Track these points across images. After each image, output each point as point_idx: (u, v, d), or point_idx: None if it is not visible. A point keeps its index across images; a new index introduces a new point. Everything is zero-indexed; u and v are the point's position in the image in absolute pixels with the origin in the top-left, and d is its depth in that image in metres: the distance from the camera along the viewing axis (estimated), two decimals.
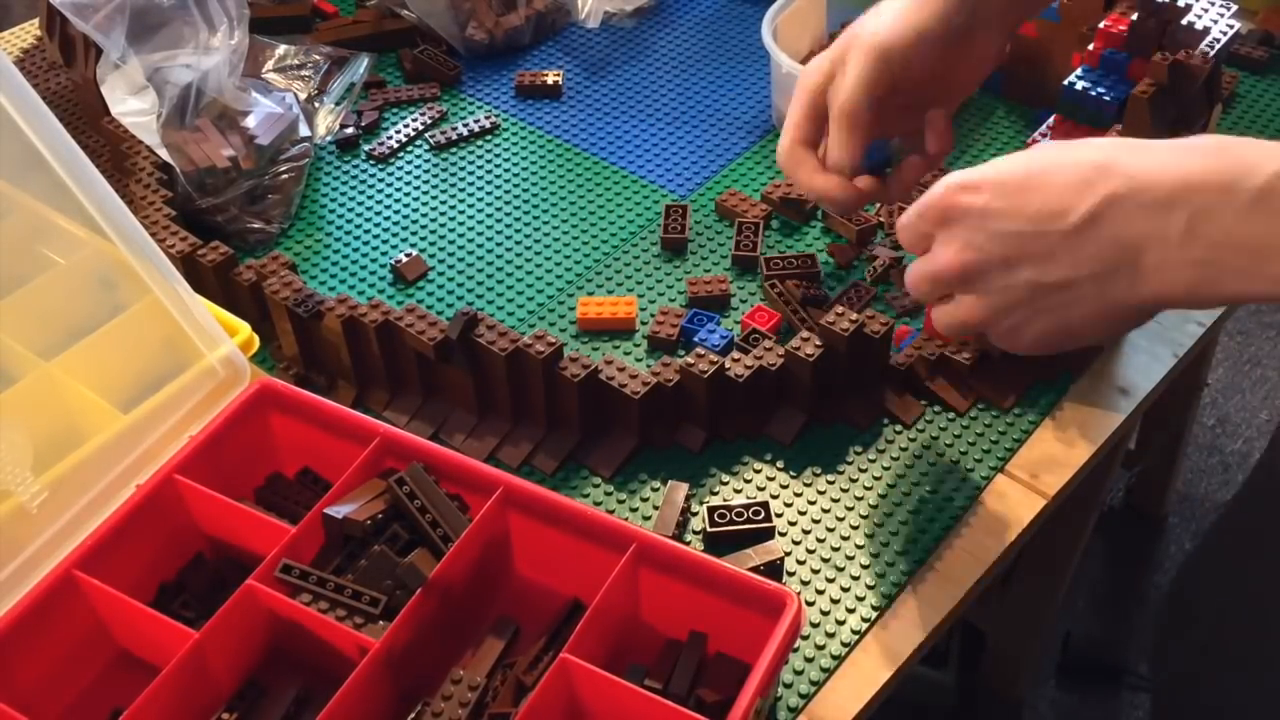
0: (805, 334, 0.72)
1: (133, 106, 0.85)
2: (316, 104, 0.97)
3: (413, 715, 0.58)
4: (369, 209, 0.92)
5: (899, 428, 0.74)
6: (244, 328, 0.69)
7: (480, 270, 0.86)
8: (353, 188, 0.94)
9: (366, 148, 0.97)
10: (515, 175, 0.94)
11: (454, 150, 0.97)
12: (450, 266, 0.87)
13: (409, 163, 0.96)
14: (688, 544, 0.68)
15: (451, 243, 0.89)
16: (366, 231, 0.90)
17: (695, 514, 0.70)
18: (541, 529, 0.61)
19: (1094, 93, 0.75)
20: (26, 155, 0.58)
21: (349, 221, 0.91)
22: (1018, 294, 0.55)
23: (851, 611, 0.65)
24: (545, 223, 0.90)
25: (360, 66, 1.00)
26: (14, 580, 0.58)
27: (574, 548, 0.60)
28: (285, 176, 0.89)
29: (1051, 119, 0.77)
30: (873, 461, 0.72)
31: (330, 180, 0.94)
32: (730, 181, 0.93)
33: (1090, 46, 0.78)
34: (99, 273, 0.66)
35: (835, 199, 0.70)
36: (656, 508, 0.70)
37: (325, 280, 0.86)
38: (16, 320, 0.64)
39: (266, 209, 0.88)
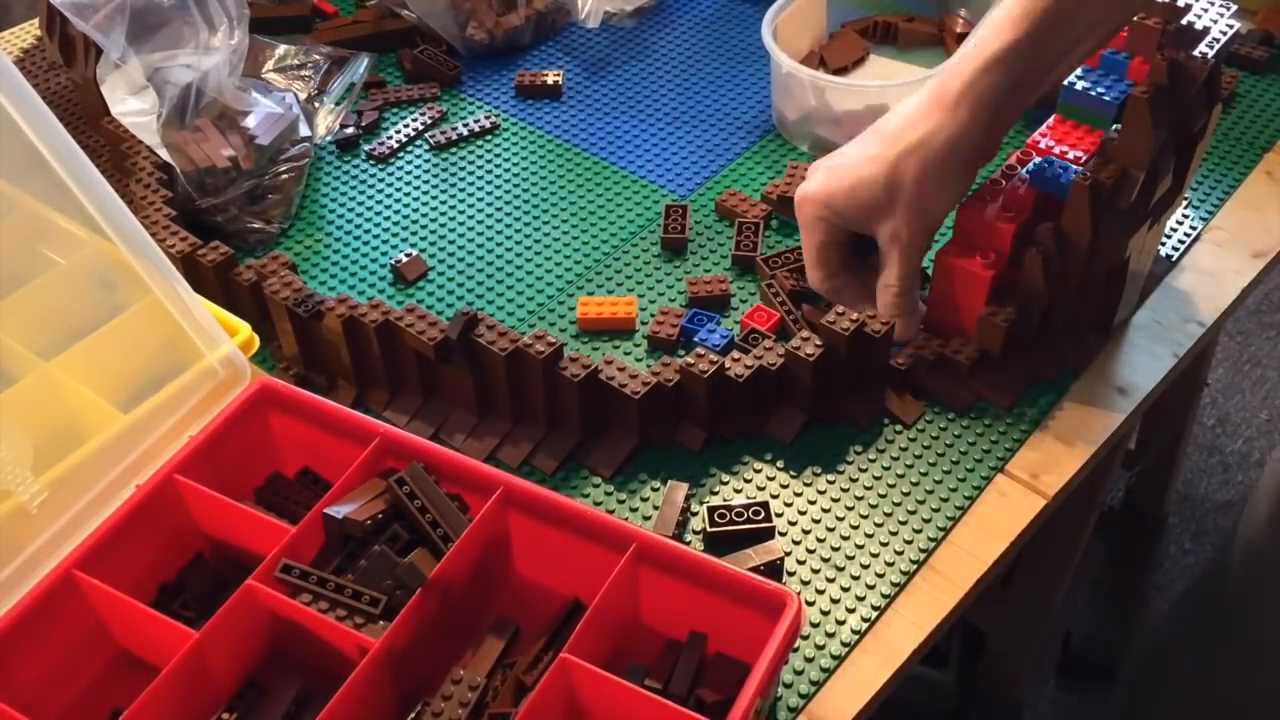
0: (805, 334, 0.72)
1: (133, 106, 0.85)
2: (316, 104, 0.97)
3: (413, 715, 0.58)
4: (369, 209, 0.92)
5: (899, 428, 0.74)
6: (244, 328, 0.69)
7: (480, 270, 0.86)
8: (353, 188, 0.94)
9: (366, 148, 0.97)
10: (515, 175, 0.94)
11: (454, 150, 0.97)
12: (450, 266, 0.87)
13: (409, 163, 0.96)
14: (688, 544, 0.68)
15: (451, 243, 0.89)
16: (366, 231, 0.90)
17: (695, 514, 0.70)
18: (541, 529, 0.61)
19: (1094, 93, 0.75)
20: (26, 155, 0.58)
21: (349, 221, 0.91)
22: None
23: (851, 611, 0.65)
24: (545, 223, 0.90)
25: (360, 66, 1.00)
26: (14, 580, 0.58)
27: (574, 548, 0.60)
28: (285, 176, 0.89)
29: (1051, 119, 0.77)
30: (873, 461, 0.72)
31: (330, 180, 0.94)
32: (730, 181, 0.93)
33: None
34: (99, 273, 0.66)
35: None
36: (656, 508, 0.70)
37: (325, 280, 0.86)
38: (16, 320, 0.64)
39: (266, 209, 0.88)
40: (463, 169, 0.95)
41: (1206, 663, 0.82)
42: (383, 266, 0.87)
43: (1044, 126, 0.77)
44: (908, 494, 0.71)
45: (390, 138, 0.97)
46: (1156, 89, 0.68)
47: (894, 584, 0.66)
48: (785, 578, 0.67)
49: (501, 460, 0.73)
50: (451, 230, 0.90)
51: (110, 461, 0.62)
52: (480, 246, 0.88)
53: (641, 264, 0.86)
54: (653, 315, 0.81)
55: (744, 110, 1.00)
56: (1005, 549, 0.68)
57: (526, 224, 0.90)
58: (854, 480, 0.71)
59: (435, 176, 0.94)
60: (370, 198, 0.93)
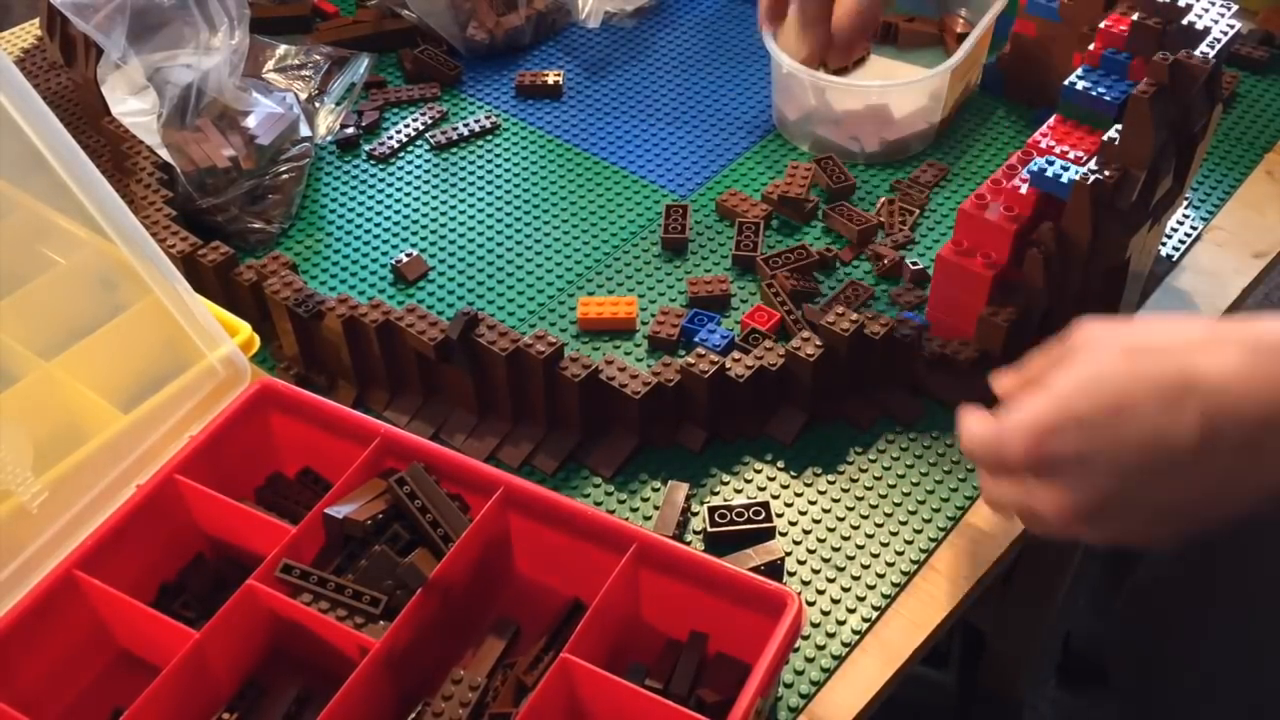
0: (805, 334, 0.72)
1: (133, 106, 0.85)
2: (317, 104, 0.97)
3: (413, 715, 0.58)
4: (369, 209, 0.92)
5: (899, 428, 0.74)
6: (244, 328, 0.69)
7: (480, 270, 0.86)
8: (353, 188, 0.94)
9: (367, 148, 0.97)
10: (515, 175, 0.94)
11: (454, 150, 0.97)
12: (450, 266, 0.87)
13: (409, 163, 0.96)
14: (688, 544, 0.68)
15: (452, 243, 0.89)
16: (367, 231, 0.90)
17: (695, 514, 0.70)
18: (542, 529, 0.61)
19: (1094, 93, 0.75)
20: (27, 155, 0.58)
21: (349, 221, 0.91)
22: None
23: (852, 611, 0.65)
24: (545, 223, 0.90)
25: (360, 66, 1.00)
26: (14, 580, 0.58)
27: (574, 548, 0.60)
28: (285, 176, 0.89)
29: (1052, 119, 0.77)
30: (873, 461, 0.72)
31: (330, 180, 0.94)
32: (730, 181, 0.93)
33: (1090, 46, 0.78)
34: (99, 273, 0.66)
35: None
36: (657, 508, 0.70)
37: (325, 280, 0.86)
38: (17, 320, 0.64)
39: (267, 209, 0.88)
40: (463, 169, 0.95)
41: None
42: (383, 266, 0.87)
43: (1044, 126, 0.77)
44: (908, 494, 0.71)
45: (390, 138, 0.97)
46: (1157, 89, 0.68)
47: (894, 584, 0.66)
48: (785, 578, 0.67)
49: (502, 460, 0.73)
50: (452, 230, 0.90)
51: (110, 461, 0.62)
52: (480, 246, 0.88)
53: (642, 264, 0.86)
54: (653, 315, 0.81)
55: (744, 110, 1.00)
56: (1005, 549, 0.68)
57: (527, 224, 0.90)
58: (854, 480, 0.71)
59: (435, 176, 0.94)
60: (370, 198, 0.93)
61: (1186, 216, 0.89)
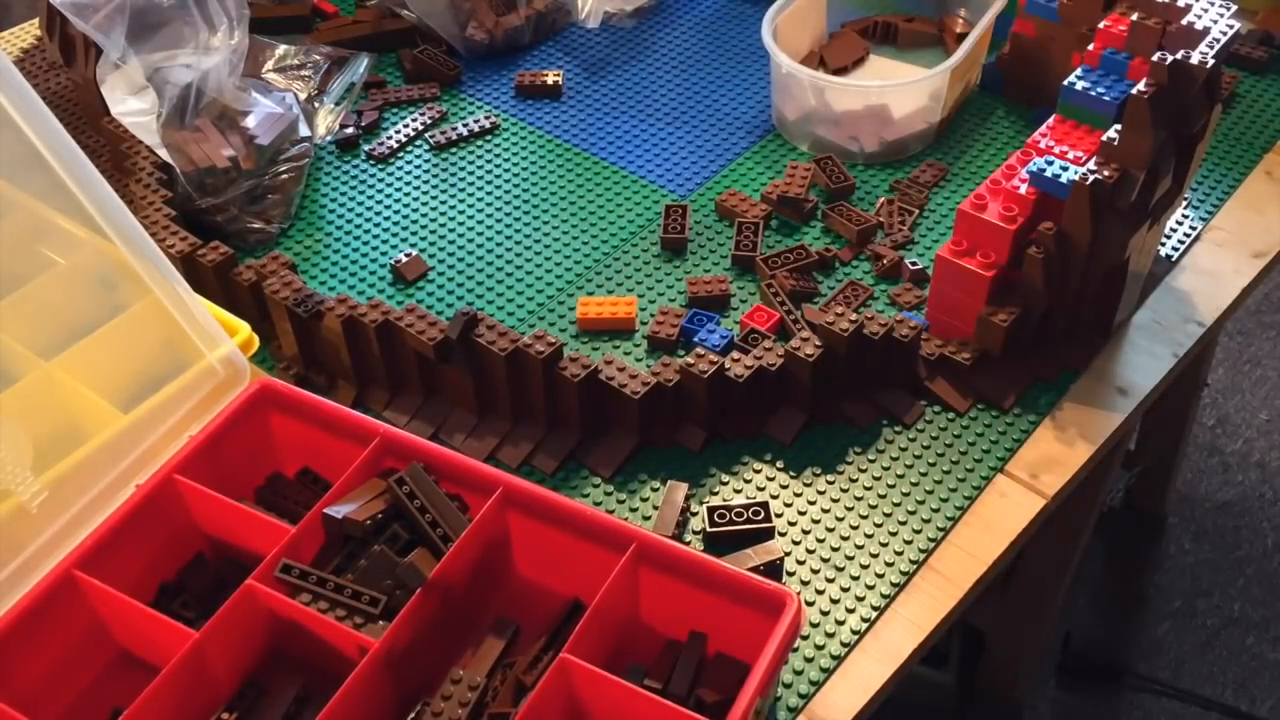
0: (805, 334, 0.72)
1: (133, 106, 0.85)
2: (316, 104, 0.97)
3: (413, 715, 0.58)
4: (369, 209, 0.92)
5: (899, 428, 0.74)
6: (244, 328, 0.69)
7: (480, 270, 0.86)
8: (353, 188, 0.94)
9: (366, 148, 0.97)
10: (515, 175, 0.94)
11: (454, 150, 0.97)
12: (450, 266, 0.87)
13: (409, 163, 0.96)
14: (687, 544, 0.68)
15: (451, 243, 0.89)
16: (366, 231, 0.90)
17: (695, 514, 0.70)
18: (541, 529, 0.61)
19: (1094, 93, 0.75)
20: (26, 155, 0.58)
21: (349, 221, 0.91)
22: None
23: (851, 611, 0.65)
24: (545, 223, 0.90)
25: (360, 66, 1.00)
26: (14, 580, 0.58)
27: (574, 548, 0.60)
28: (285, 176, 0.89)
29: (1051, 119, 0.77)
30: (873, 461, 0.72)
31: (330, 180, 0.94)
32: (730, 181, 0.93)
33: (1090, 46, 0.78)
34: (99, 273, 0.66)
35: None
36: (656, 508, 0.70)
37: (325, 280, 0.86)
38: (16, 320, 0.64)
39: (266, 209, 0.88)
40: (463, 169, 0.95)
41: None
42: (383, 266, 0.87)
43: (1044, 126, 0.77)
44: (908, 494, 0.71)
45: (390, 138, 0.97)
46: (1156, 89, 0.68)
47: (894, 584, 0.66)
48: (785, 578, 0.67)
49: (501, 460, 0.73)
50: (451, 230, 0.90)
51: (110, 461, 0.62)
52: (480, 246, 0.88)
53: (641, 264, 0.86)
54: (653, 315, 0.81)
55: (744, 110, 1.00)
56: (1005, 549, 0.68)
57: (526, 224, 0.90)
58: (854, 480, 0.71)
59: (435, 176, 0.94)
60: (370, 198, 0.93)
61: (1186, 216, 0.89)
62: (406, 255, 0.86)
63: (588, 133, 0.99)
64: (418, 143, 0.98)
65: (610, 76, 1.05)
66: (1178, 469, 1.54)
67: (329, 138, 0.97)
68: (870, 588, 0.66)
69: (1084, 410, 0.75)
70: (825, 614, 0.65)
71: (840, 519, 0.69)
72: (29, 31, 1.11)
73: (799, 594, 0.60)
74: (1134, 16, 0.76)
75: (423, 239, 0.89)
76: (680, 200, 0.92)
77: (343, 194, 0.93)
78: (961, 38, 0.98)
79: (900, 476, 0.71)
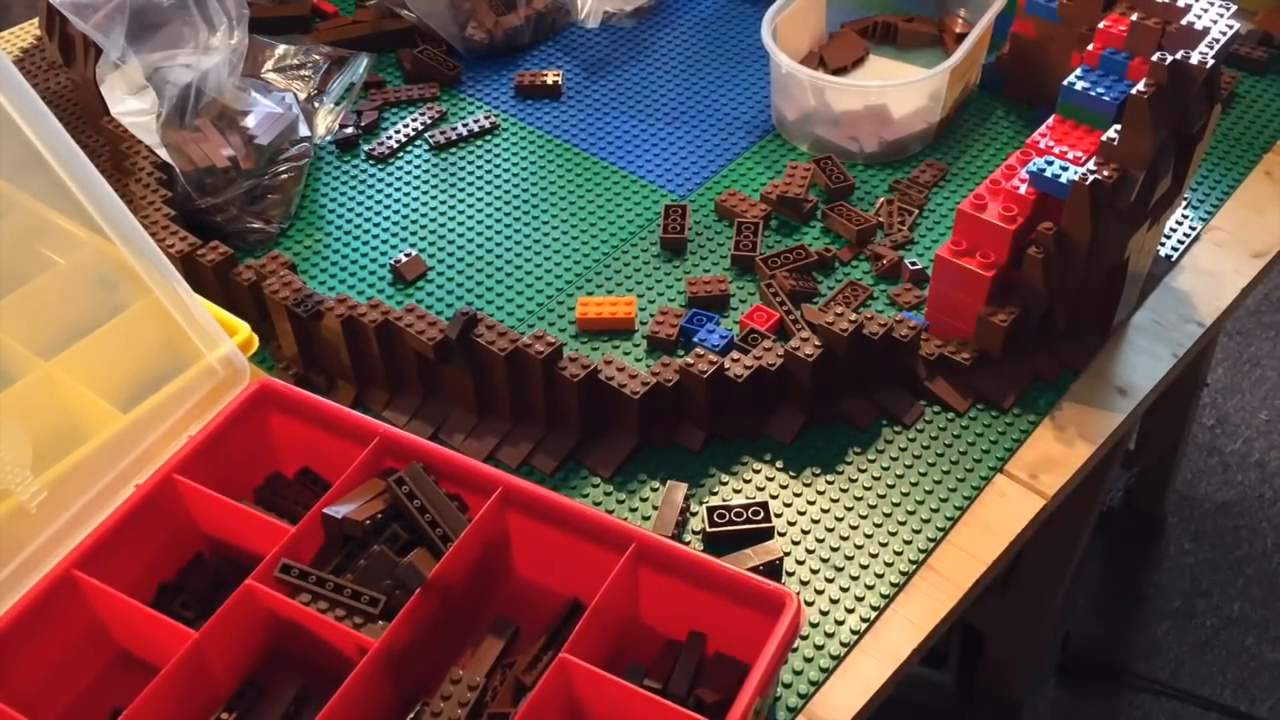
0: (805, 334, 0.72)
1: (132, 106, 0.85)
2: (316, 104, 0.97)
3: (412, 715, 0.58)
4: (369, 209, 0.92)
5: (899, 428, 0.74)
6: (244, 328, 0.69)
7: (480, 270, 0.86)
8: (352, 188, 0.94)
9: (366, 148, 0.97)
10: (515, 175, 0.94)
11: (454, 150, 0.97)
12: (450, 266, 0.87)
13: (409, 163, 0.96)
14: (687, 544, 0.68)
15: (451, 243, 0.89)
16: (366, 231, 0.90)
17: (695, 514, 0.70)
18: (541, 529, 0.61)
19: (1094, 93, 0.75)
20: (26, 155, 0.58)
21: (349, 221, 0.91)
22: None
23: (851, 611, 0.65)
24: (545, 223, 0.90)
25: (360, 66, 1.00)
26: (14, 580, 0.58)
27: (573, 548, 0.60)
28: (285, 176, 0.89)
29: (1051, 119, 0.77)
30: (872, 461, 0.72)
31: (330, 180, 0.94)
32: (730, 181, 0.93)
33: (1090, 46, 0.78)
34: (99, 273, 0.66)
35: None
36: (656, 508, 0.70)
37: (325, 280, 0.86)
38: (16, 320, 0.64)
39: (266, 209, 0.88)
40: (463, 169, 0.95)
41: None
42: (382, 266, 0.87)
43: (1044, 126, 0.77)
44: (907, 494, 0.71)
45: (390, 138, 0.97)
46: (1156, 89, 0.68)
47: (893, 584, 0.66)
48: (784, 578, 0.67)
49: (501, 460, 0.73)
50: (451, 230, 0.90)
51: (110, 461, 0.62)
52: (480, 246, 0.88)
53: (641, 264, 0.86)
54: (652, 315, 0.81)
55: (744, 110, 1.00)
56: (1005, 549, 0.68)
57: (526, 224, 0.90)
58: (853, 480, 0.71)
59: (435, 176, 0.94)
60: (370, 198, 0.93)
61: (1186, 216, 0.89)
62: (406, 255, 0.86)
63: (588, 133, 0.99)
64: (417, 143, 0.98)
65: (610, 76, 1.05)
66: (1178, 469, 1.54)
67: (329, 138, 0.97)
68: (870, 588, 0.66)
69: (1084, 410, 0.75)
70: (825, 614, 0.65)
71: (840, 519, 0.69)
72: (29, 31, 1.11)
73: (798, 594, 0.60)
74: (1134, 16, 0.76)
75: (423, 239, 0.89)
76: (680, 200, 0.92)
77: (342, 194, 0.93)
78: (961, 38, 0.98)
79: (900, 476, 0.71)
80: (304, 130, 0.91)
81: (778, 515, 0.70)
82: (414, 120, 0.99)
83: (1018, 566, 1.19)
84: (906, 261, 0.83)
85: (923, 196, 0.90)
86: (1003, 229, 0.72)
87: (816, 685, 0.62)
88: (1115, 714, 1.40)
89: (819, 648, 0.63)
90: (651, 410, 0.72)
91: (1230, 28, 0.73)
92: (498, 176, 0.94)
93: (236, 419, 0.65)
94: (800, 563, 0.67)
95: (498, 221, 0.90)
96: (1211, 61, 0.70)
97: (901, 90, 0.92)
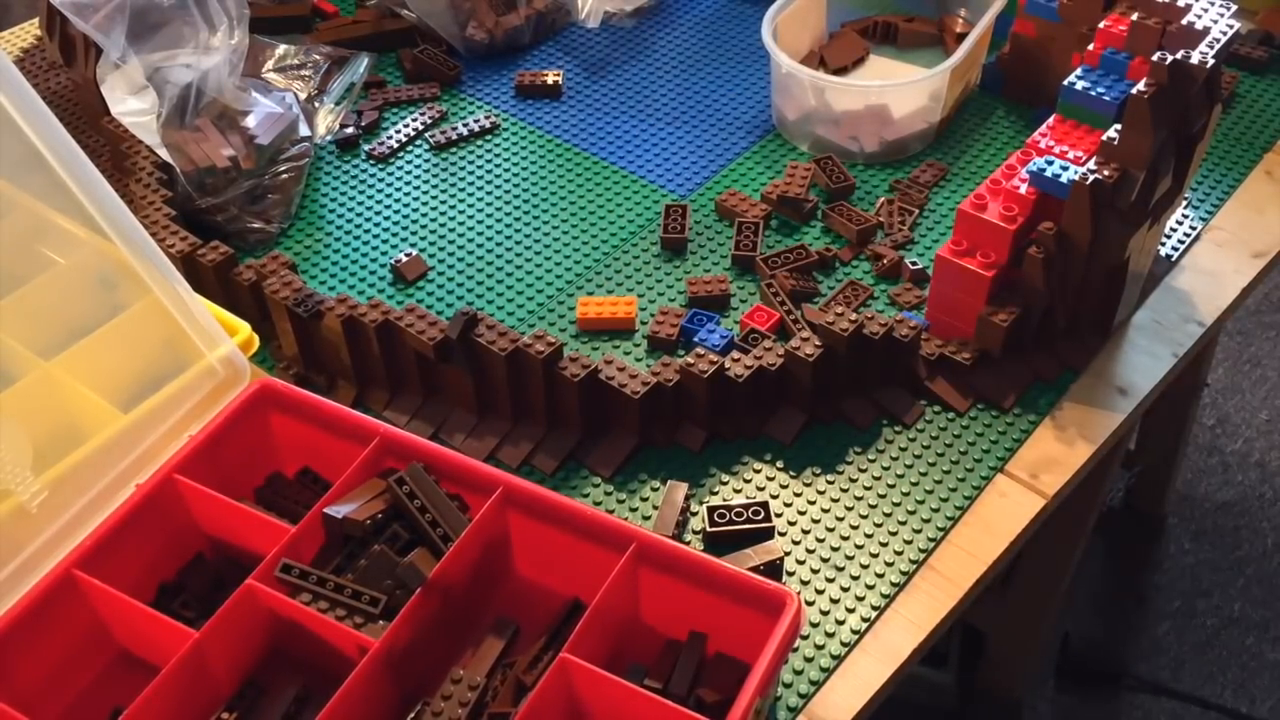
0: (805, 334, 0.72)
1: (133, 106, 0.85)
2: (316, 104, 0.97)
3: (413, 715, 0.58)
4: (369, 209, 0.92)
5: (899, 428, 0.74)
6: (244, 327, 0.69)
7: (480, 270, 0.86)
8: (353, 188, 0.94)
9: (366, 148, 0.97)
10: (515, 175, 0.94)
11: (454, 150, 0.97)
12: (450, 266, 0.87)
13: (409, 163, 0.96)
14: (687, 544, 0.68)
15: (451, 243, 0.89)
16: (366, 231, 0.90)
17: (695, 514, 0.70)
18: (541, 529, 0.61)
19: (1094, 93, 0.75)
20: (26, 155, 0.58)
21: (349, 221, 0.91)
22: None
23: (851, 611, 0.65)
24: (545, 223, 0.90)
25: (360, 66, 1.00)
26: (14, 580, 0.58)
27: (574, 547, 0.60)
28: (285, 176, 0.89)
29: (1051, 119, 0.77)
30: (873, 461, 0.72)
31: (330, 180, 0.94)
32: (730, 181, 0.93)
33: (1090, 46, 0.78)
34: (99, 272, 0.66)
35: None
36: (656, 507, 0.70)
37: (325, 280, 0.86)
38: (16, 320, 0.64)
39: (266, 209, 0.88)
40: (463, 169, 0.95)
41: None
42: (383, 266, 0.87)
43: (1044, 126, 0.77)
44: (907, 494, 0.71)
45: (390, 138, 0.97)
46: (1156, 89, 0.68)
47: (894, 584, 0.66)
48: (785, 577, 0.67)
49: (501, 460, 0.73)
50: (451, 230, 0.90)
51: (110, 461, 0.62)
52: (480, 246, 0.88)
53: (641, 264, 0.86)
54: (652, 315, 0.81)
55: (744, 110, 1.00)
56: (1005, 549, 0.68)
57: (526, 224, 0.90)
58: (854, 480, 0.71)
59: (435, 176, 0.94)
60: (370, 198, 0.93)
61: (1186, 216, 0.89)
62: (406, 255, 0.86)
63: (588, 133, 0.99)
64: (418, 142, 0.98)
65: (610, 76, 1.05)
66: (1178, 469, 1.54)
67: (329, 138, 0.97)
68: (870, 587, 0.66)
69: (1084, 410, 0.75)
70: (825, 614, 0.65)
71: (840, 519, 0.69)
72: (29, 31, 1.11)
73: (799, 594, 0.60)
74: (1134, 16, 0.76)
75: (423, 239, 0.89)
76: (680, 200, 0.92)
77: (343, 194, 0.93)
78: (961, 38, 0.98)
79: (900, 476, 0.71)
80: (304, 130, 0.91)
81: (778, 515, 0.70)
82: (414, 120, 0.99)
83: (1018, 566, 1.19)
84: (907, 261, 0.83)
85: (923, 196, 0.90)
86: (1003, 229, 0.72)
87: (817, 685, 0.62)
88: (1115, 714, 1.40)
89: (819, 647, 0.63)
90: (652, 410, 0.72)
91: (1230, 28, 0.73)
92: (498, 176, 0.94)
93: (237, 419, 0.65)
94: (800, 562, 0.67)
95: (498, 221, 0.90)
96: (1212, 61, 0.70)
97: (902, 90, 0.92)
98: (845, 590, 0.66)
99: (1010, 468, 0.72)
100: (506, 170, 0.95)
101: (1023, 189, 0.73)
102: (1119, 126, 0.70)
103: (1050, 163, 0.72)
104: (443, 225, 0.90)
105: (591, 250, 0.88)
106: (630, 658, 0.61)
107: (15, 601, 0.56)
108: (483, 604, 0.63)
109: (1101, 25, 0.78)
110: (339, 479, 0.61)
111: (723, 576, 0.57)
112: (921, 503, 0.70)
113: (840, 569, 0.67)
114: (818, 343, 0.71)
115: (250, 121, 0.89)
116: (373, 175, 0.95)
